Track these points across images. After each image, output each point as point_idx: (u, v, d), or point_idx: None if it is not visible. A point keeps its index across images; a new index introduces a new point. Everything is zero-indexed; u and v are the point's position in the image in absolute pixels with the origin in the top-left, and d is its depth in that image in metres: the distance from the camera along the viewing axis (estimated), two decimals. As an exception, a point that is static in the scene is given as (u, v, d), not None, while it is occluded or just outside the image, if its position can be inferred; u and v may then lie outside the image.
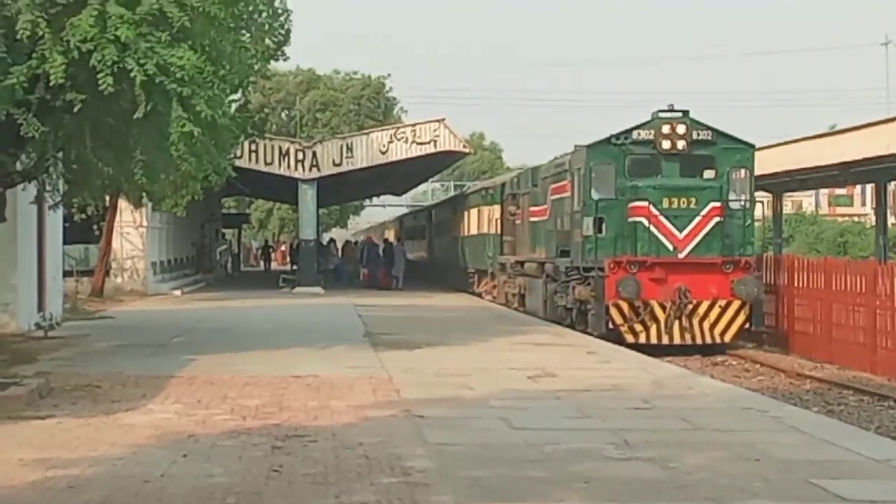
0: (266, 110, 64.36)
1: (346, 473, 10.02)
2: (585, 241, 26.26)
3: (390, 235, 72.65)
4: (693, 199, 25.73)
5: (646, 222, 25.57)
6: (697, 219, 25.65)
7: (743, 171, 27.29)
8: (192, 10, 14.38)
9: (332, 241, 70.49)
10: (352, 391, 15.36)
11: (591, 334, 25.27)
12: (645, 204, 25.55)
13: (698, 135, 26.47)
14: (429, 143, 47.79)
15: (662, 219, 25.60)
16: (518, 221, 35.81)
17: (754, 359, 25.47)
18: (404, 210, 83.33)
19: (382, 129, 52.63)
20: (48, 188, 19.15)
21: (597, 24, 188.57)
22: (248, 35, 18.13)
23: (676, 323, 25.31)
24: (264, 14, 18.42)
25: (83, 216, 32.79)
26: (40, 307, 25.33)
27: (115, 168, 17.01)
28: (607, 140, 26.66)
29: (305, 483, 9.65)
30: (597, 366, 19.04)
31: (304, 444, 11.42)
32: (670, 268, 25.57)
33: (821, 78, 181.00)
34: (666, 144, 26.13)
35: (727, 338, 25.94)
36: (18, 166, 17.28)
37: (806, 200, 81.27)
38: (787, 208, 62.94)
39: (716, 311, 25.67)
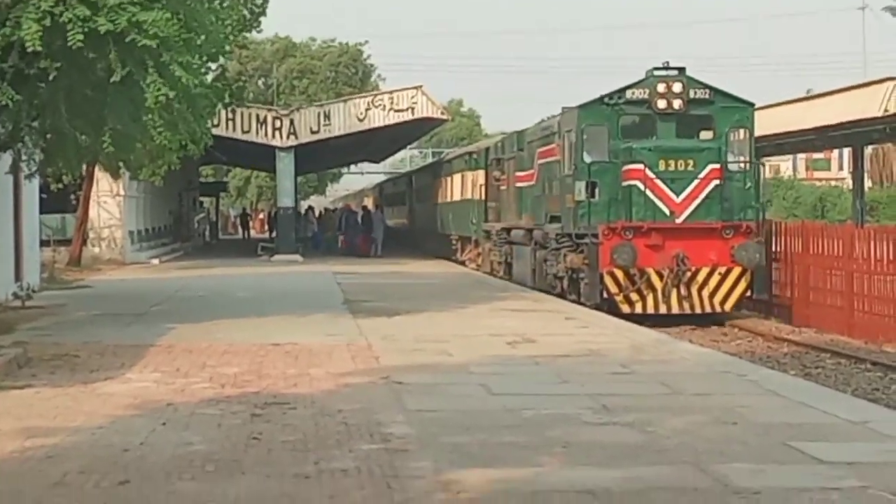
0: (243, 78, 63.94)
1: (325, 440, 10.02)
2: (578, 206, 24.90)
3: (369, 203, 72.48)
4: (690, 161, 24.54)
5: (641, 186, 24.28)
6: (695, 182, 24.47)
7: (742, 131, 26.00)
8: None
9: (310, 208, 70.36)
10: (331, 358, 15.33)
11: (584, 304, 24.34)
12: (640, 167, 24.30)
13: (695, 93, 25.19)
14: (406, 110, 47.80)
15: (658, 182, 24.34)
16: (503, 187, 34.68)
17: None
18: (382, 177, 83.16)
19: (360, 97, 52.57)
20: (24, 158, 19.07)
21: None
22: (225, 3, 18.05)
23: (674, 291, 24.20)
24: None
25: (60, 186, 32.58)
26: (17, 277, 25.28)
27: (91, 137, 16.94)
28: (599, 100, 25.41)
29: (285, 450, 9.64)
30: (575, 331, 19.07)
31: (283, 411, 11.41)
32: (667, 233, 24.41)
33: (798, 43, 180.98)
34: (661, 104, 24.81)
35: (727, 306, 24.89)
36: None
37: (783, 165, 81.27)
38: (765, 173, 63.23)
39: (715, 278, 24.53)
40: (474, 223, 39.18)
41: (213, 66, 20.58)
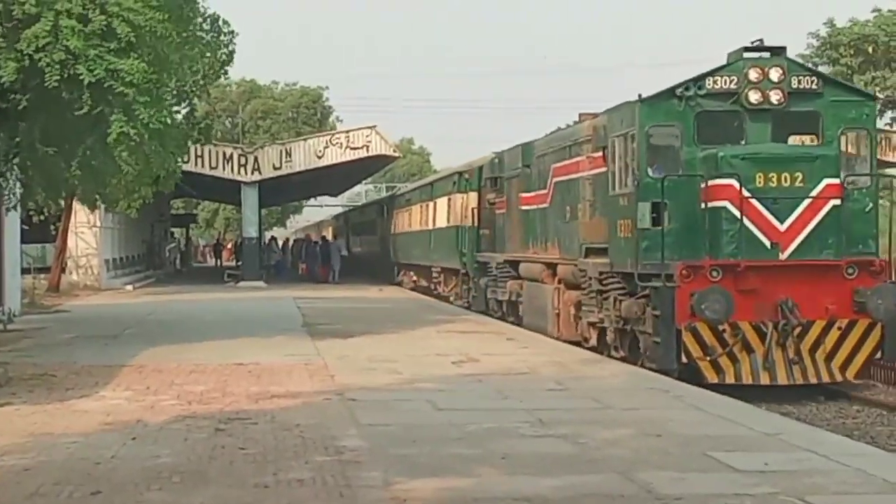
0: (211, 118, 63.57)
1: (283, 453, 9.98)
2: (641, 236, 17.14)
3: (328, 233, 72.40)
4: (799, 175, 16.64)
5: (732, 208, 16.55)
6: (806, 202, 16.66)
7: (861, 133, 18.36)
8: (139, 28, 14.28)
9: (273, 238, 70.23)
10: (290, 377, 15.29)
11: (648, 367, 16.94)
12: (731, 182, 16.49)
13: (799, 82, 17.63)
14: (361, 147, 47.88)
15: (756, 203, 16.61)
16: (501, 211, 27.64)
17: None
18: (340, 209, 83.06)
19: (319, 136, 52.57)
20: (5, 192, 18.92)
21: (519, 35, 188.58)
22: (195, 50, 18.03)
23: (779, 353, 16.46)
24: (210, 35, 18.35)
25: (41, 217, 32.38)
26: (-1, 301, 25.05)
27: (67, 171, 16.86)
28: (669, 92, 17.61)
29: (246, 462, 9.61)
30: (516, 351, 19.01)
31: (245, 426, 11.37)
32: (769, 274, 16.66)
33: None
34: (754, 97, 17.34)
35: (850, 374, 17.01)
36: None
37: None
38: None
39: (833, 335, 16.74)
40: (464, 253, 31.69)
41: (184, 106, 20.55)
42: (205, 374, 15.53)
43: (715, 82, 17.59)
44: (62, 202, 32.13)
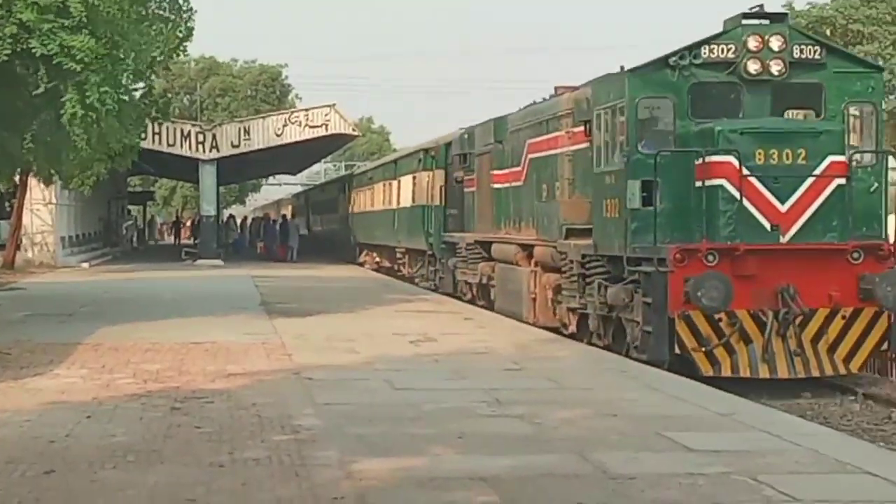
0: (169, 95, 62.97)
1: (239, 432, 9.96)
2: (630, 217, 15.68)
3: (286, 212, 72.17)
4: (802, 152, 15.09)
5: (729, 187, 15.01)
6: (809, 181, 15.14)
7: (867, 107, 16.92)
8: (93, 7, 14.16)
9: (231, 217, 69.95)
10: (247, 356, 15.24)
11: (636, 358, 15.50)
12: (727, 159, 14.97)
13: (801, 52, 16.13)
14: (321, 126, 47.79)
15: (755, 182, 15.08)
16: (470, 189, 25.81)
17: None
18: (299, 188, 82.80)
19: (278, 114, 52.46)
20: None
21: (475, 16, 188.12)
22: (154, 27, 17.88)
23: (779, 344, 14.93)
24: (166, 10, 18.20)
25: (-5, 194, 32.18)
26: (-47, 279, 24.82)
27: (21, 147, 16.74)
28: (662, 61, 16.03)
29: (202, 441, 9.58)
30: (473, 331, 18.99)
31: (201, 405, 11.32)
32: (769, 258, 15.14)
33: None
34: (753, 66, 15.87)
35: (854, 365, 15.63)
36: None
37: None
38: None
39: (837, 324, 15.28)
40: (431, 234, 29.77)
41: (141, 83, 20.38)
42: (161, 353, 15.44)
43: (711, 51, 16.08)
44: (17, 178, 31.85)
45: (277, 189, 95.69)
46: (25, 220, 39.53)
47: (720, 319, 14.96)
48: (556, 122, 19.65)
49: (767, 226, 15.28)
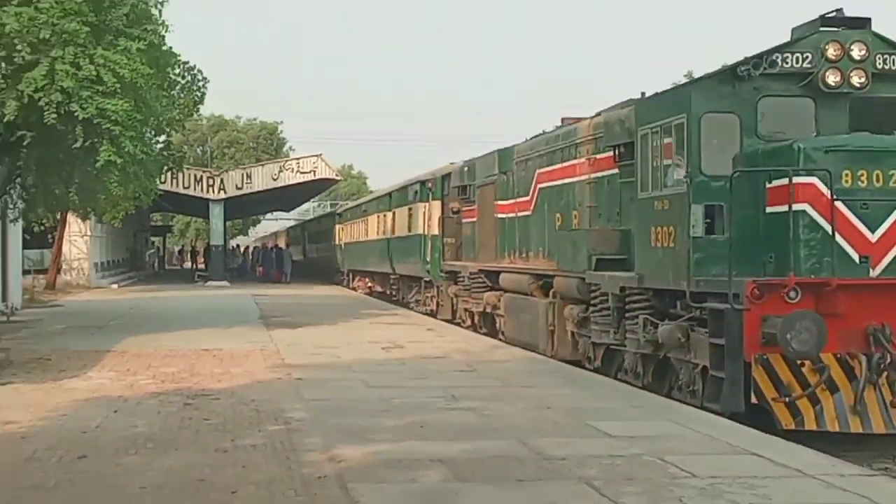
0: (184, 147, 63.02)
1: (240, 423, 9.91)
2: (693, 246, 11.51)
3: (281, 242, 71.94)
4: (894, 173, 11.02)
5: (813, 213, 10.88)
6: None
7: None
8: (122, 78, 14.15)
9: (237, 246, 69.58)
10: (248, 360, 15.16)
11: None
12: (811, 180, 10.86)
13: (885, 62, 11.84)
14: (309, 172, 47.99)
15: (842, 207, 10.87)
16: (469, 220, 22.09)
17: None
18: (292, 223, 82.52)
19: (274, 162, 52.64)
20: (10, 207, 18.60)
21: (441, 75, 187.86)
22: (172, 93, 17.86)
23: (871, 393, 10.63)
24: (184, 80, 18.19)
25: (40, 227, 31.93)
26: (4, 298, 24.63)
27: (62, 191, 16.67)
28: (729, 72, 11.93)
29: (209, 431, 9.52)
30: (434, 339, 18.90)
31: (209, 401, 11.27)
32: (859, 294, 10.88)
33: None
34: (832, 78, 11.69)
35: None
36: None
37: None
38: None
39: None
40: (428, 262, 26.18)
41: (161, 138, 20.34)
42: (176, 358, 15.34)
43: (784, 60, 11.83)
44: (58, 215, 31.65)
45: (274, 223, 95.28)
46: (65, 249, 39.35)
47: (802, 365, 10.67)
48: (574, 150, 15.98)
49: (856, 257, 10.94)
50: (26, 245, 30.11)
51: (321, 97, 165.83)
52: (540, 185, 17.43)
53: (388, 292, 33.94)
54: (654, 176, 12.70)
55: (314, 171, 48.20)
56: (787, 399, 10.60)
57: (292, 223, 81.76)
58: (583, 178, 15.51)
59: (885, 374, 10.60)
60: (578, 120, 16.33)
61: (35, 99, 13.70)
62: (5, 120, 13.88)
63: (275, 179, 47.90)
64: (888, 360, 10.62)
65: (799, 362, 10.67)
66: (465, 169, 22.52)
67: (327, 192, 77.49)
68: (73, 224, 38.60)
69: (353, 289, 41.28)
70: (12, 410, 10.64)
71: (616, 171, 14.17)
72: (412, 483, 7.48)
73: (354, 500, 6.98)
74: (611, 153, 14.30)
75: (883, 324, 10.76)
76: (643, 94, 14.12)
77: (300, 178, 48.16)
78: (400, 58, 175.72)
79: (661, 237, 12.49)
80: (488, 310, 20.29)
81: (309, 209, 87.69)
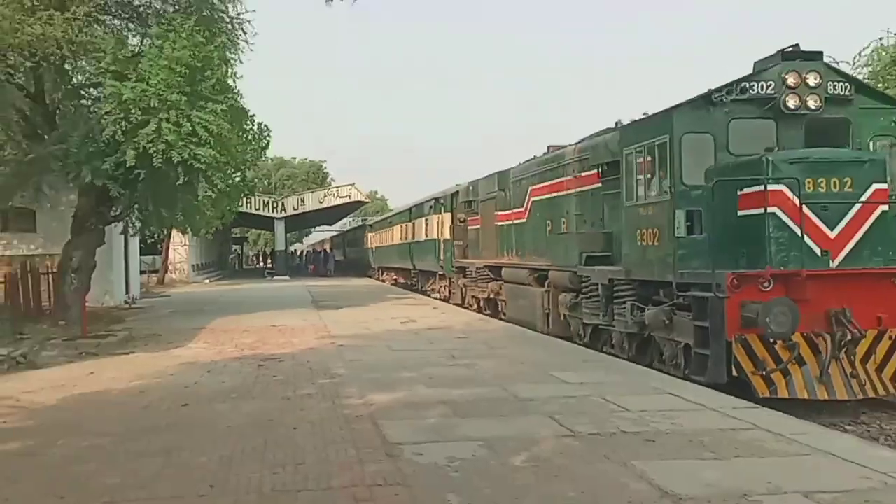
0: (255, 180, 63.28)
1: (299, 378, 9.88)
2: (677, 245, 10.64)
3: (327, 247, 72.07)
4: (849, 180, 10.13)
5: (782, 215, 9.91)
6: (856, 208, 10.14)
7: (889, 141, 11.59)
8: (212, 132, 14.16)
9: (294, 251, 69.56)
10: (304, 332, 15.11)
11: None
12: (779, 187, 9.93)
13: (834, 88, 11.03)
14: (346, 196, 48.02)
15: (806, 209, 9.89)
16: (474, 227, 21.46)
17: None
18: (335, 232, 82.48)
19: (320, 190, 52.63)
20: (130, 225, 18.59)
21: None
22: (247, 140, 17.84)
23: (834, 366, 9.70)
24: (253, 132, 18.14)
25: (152, 239, 31.97)
26: (127, 290, 24.63)
27: (168, 214, 16.67)
28: (704, 99, 10.94)
29: (277, 384, 9.50)
30: (438, 315, 18.84)
31: (276, 363, 11.24)
32: (823, 283, 9.84)
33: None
34: (792, 102, 10.84)
35: None
36: (112, 214, 16.83)
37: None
38: None
39: (885, 345, 9.96)
40: (441, 259, 25.41)
41: (239, 174, 20.31)
42: (252, 332, 15.31)
43: (752, 87, 10.89)
44: (165, 231, 31.69)
45: (321, 234, 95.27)
46: (170, 255, 39.36)
47: (774, 342, 9.62)
48: (562, 170, 14.98)
49: (818, 251, 9.94)
50: (142, 252, 30.17)
51: (355, 136, 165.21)
52: (533, 199, 16.67)
53: (409, 283, 33.21)
54: (639, 187, 11.57)
55: (349, 196, 48.24)
56: (763, 373, 9.58)
57: (335, 233, 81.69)
58: (570, 191, 14.68)
59: (845, 349, 9.67)
60: (561, 147, 15.65)
61: (147, 149, 13.70)
62: (128, 165, 13.87)
63: (321, 202, 47.97)
64: (848, 337, 9.66)
65: (772, 341, 9.58)
66: (471, 188, 21.89)
67: (359, 210, 77.56)
68: (176, 237, 38.58)
69: (382, 281, 40.65)
70: (134, 372, 10.66)
71: (599, 184, 13.36)
72: (424, 419, 7.46)
73: (382, 432, 6.96)
74: (595, 171, 13.43)
75: (843, 307, 9.77)
76: (618, 122, 13.03)
77: (339, 201, 48.19)
78: (400, 104, 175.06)
79: (646, 237, 11.33)
80: (491, 296, 19.65)
81: (346, 222, 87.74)
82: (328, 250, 61.99)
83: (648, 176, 11.32)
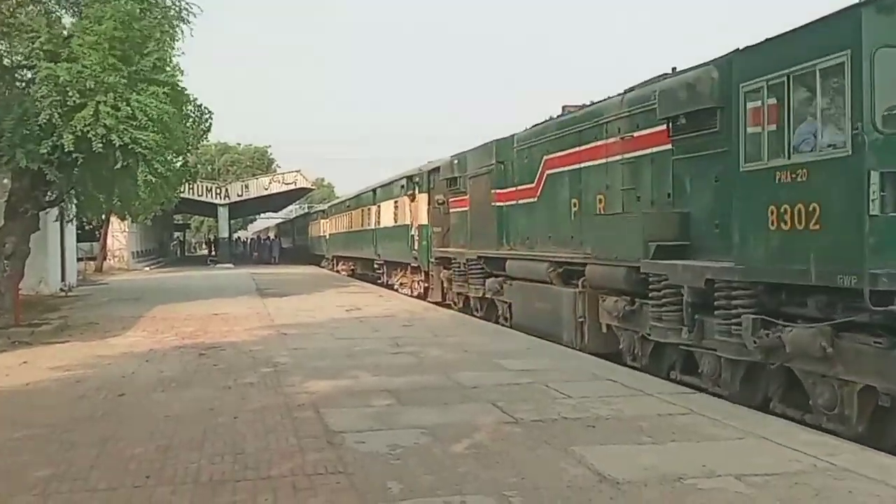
0: (197, 166, 62.04)
1: (241, 367, 9.77)
2: (871, 227, 5.95)
3: (272, 234, 71.22)
4: None
5: None
6: None
7: None
8: (151, 116, 13.83)
9: (238, 238, 68.59)
10: (247, 320, 14.94)
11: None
12: None
13: None
14: (291, 183, 47.47)
15: None
16: (459, 209, 17.34)
17: None
18: (280, 220, 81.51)
19: (265, 176, 51.95)
20: (66, 210, 18.07)
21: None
22: (188, 124, 17.44)
23: None
24: (195, 115, 17.74)
25: (90, 226, 31.14)
26: (63, 278, 23.95)
27: (106, 200, 16.25)
28: None
29: (218, 373, 9.37)
30: (383, 303, 18.78)
31: (217, 351, 11.09)
32: None
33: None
34: None
35: None
36: (47, 199, 16.33)
37: None
38: None
39: None
40: (416, 249, 21.32)
41: (180, 158, 19.89)
42: (193, 320, 15.07)
43: None
44: (103, 217, 30.90)
45: (266, 221, 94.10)
46: (109, 241, 38.44)
47: None
48: (597, 131, 11.24)
49: None
50: (80, 239, 29.45)
51: (301, 123, 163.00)
52: (549, 172, 12.85)
53: (371, 275, 28.61)
54: (771, 141, 7.27)
55: (295, 183, 47.69)
56: None
57: (281, 220, 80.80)
58: (613, 158, 10.79)
59: None
60: (582, 107, 12.18)
61: (85, 132, 13.33)
62: (65, 148, 13.47)
63: (266, 189, 47.33)
64: None
65: None
66: (456, 162, 17.52)
67: (305, 198, 76.80)
68: (116, 223, 37.67)
69: (337, 272, 37.87)
70: (69, 361, 10.39)
71: (668, 146, 9.44)
72: (367, 407, 7.43)
73: (324, 420, 6.92)
74: (658, 128, 9.57)
75: None
76: (674, 68, 9.68)
77: (284, 188, 47.65)
78: (354, 93, 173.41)
79: (790, 218, 6.97)
80: (489, 295, 15.47)
81: (292, 210, 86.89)
82: (273, 237, 61.17)
83: (798, 123, 7.00)
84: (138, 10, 14.11)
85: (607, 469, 5.39)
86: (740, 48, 7.89)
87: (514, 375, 8.99)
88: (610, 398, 7.71)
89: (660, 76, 10.03)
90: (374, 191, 28.49)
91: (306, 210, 66.87)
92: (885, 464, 5.54)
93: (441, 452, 5.87)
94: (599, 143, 11.25)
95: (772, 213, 7.20)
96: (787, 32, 7.17)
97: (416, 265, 21.74)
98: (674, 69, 9.82)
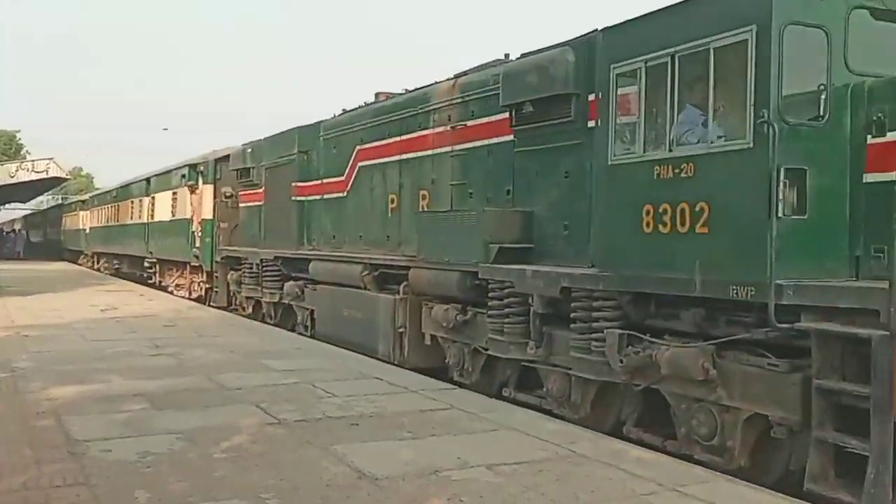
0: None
1: (-30, 373, 8.75)
2: (777, 231, 4.90)
3: (17, 227, 64.67)
4: None
5: None
6: None
7: None
8: None
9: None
10: (-19, 322, 13.44)
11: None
12: None
13: None
14: (43, 171, 43.23)
15: None
16: (250, 203, 15.61)
17: None
18: (30, 211, 74.21)
19: (12, 163, 46.91)
20: None
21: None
22: None
23: None
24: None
25: None
26: None
27: None
28: None
29: (-60, 380, 8.32)
30: (145, 303, 17.73)
31: (-59, 356, 9.85)
32: None
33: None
34: None
35: None
36: None
37: None
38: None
39: None
40: (197, 247, 18.99)
41: None
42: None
43: None
44: None
45: (12, 212, 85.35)
46: None
47: None
48: (422, 119, 9.98)
49: None
50: None
51: (59, 110, 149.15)
52: (361, 164, 11.51)
53: (141, 274, 25.41)
54: (651, 131, 6.25)
55: (47, 171, 43.56)
56: None
57: (29, 211, 73.56)
58: (442, 150, 9.56)
59: None
60: (391, 96, 11.18)
61: None
62: None
63: (12, 177, 42.84)
64: None
65: None
66: (249, 151, 15.54)
67: (60, 188, 70.60)
68: None
69: (98, 270, 34.56)
70: None
71: (509, 137, 8.31)
72: (117, 413, 6.93)
73: (66, 428, 6.36)
74: (498, 116, 8.43)
75: None
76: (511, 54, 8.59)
77: (35, 177, 43.33)
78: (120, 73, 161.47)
79: (669, 219, 5.97)
80: (287, 300, 13.72)
81: (44, 201, 79.46)
82: (18, 230, 55.49)
83: (683, 110, 5.98)
84: None
85: (367, 466, 5.43)
86: (610, 25, 6.76)
87: (281, 376, 8.82)
88: (375, 396, 7.80)
89: (493, 62, 9.02)
90: (147, 180, 25.60)
91: (60, 201, 61.59)
92: (618, 449, 6.07)
93: (197, 458, 5.61)
94: (425, 132, 9.88)
95: (647, 213, 6.09)
96: (671, 6, 6.06)
97: (196, 264, 19.38)
98: (506, 55, 8.84)
